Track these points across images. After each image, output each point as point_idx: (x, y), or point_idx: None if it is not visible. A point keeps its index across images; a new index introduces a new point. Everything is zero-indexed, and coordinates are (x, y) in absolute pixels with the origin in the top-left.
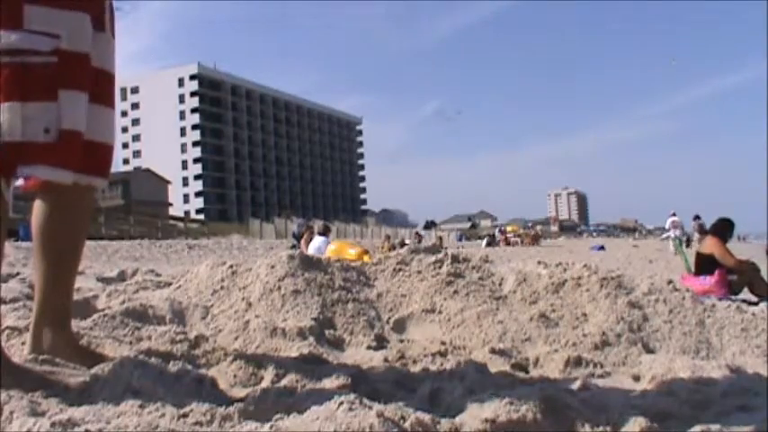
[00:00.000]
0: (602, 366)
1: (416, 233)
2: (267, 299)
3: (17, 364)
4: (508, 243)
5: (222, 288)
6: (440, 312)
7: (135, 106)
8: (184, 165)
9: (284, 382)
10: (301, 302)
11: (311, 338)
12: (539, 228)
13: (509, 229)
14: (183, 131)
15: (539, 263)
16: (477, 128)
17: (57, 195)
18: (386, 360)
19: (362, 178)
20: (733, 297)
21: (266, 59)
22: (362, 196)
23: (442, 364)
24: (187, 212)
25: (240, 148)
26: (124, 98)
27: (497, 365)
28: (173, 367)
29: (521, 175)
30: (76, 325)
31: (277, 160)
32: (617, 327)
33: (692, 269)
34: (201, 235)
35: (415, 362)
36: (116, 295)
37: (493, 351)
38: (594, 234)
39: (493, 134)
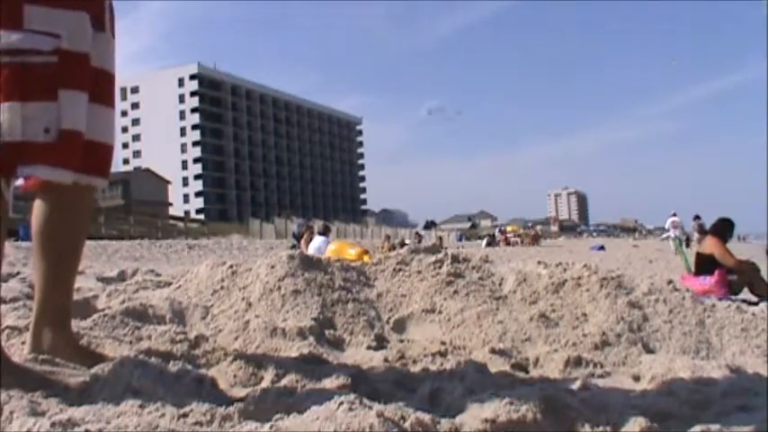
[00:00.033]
0: (602, 366)
1: (416, 233)
2: (267, 299)
3: (17, 364)
4: (508, 243)
5: (222, 288)
6: (440, 312)
7: (135, 106)
8: (184, 165)
9: (284, 382)
10: (301, 302)
11: (311, 338)
12: (539, 228)
13: (509, 229)
14: (183, 131)
15: (539, 263)
16: (477, 128)
17: (57, 195)
18: (386, 360)
19: (362, 178)
20: (733, 297)
21: (266, 59)
22: (362, 196)
23: (442, 364)
24: (187, 212)
25: (240, 148)
26: (124, 98)
27: (497, 365)
28: (173, 367)
29: (521, 175)
30: (76, 325)
31: (277, 160)
32: (617, 327)
33: (692, 269)
34: (201, 235)
35: (415, 362)
36: (116, 295)
37: (493, 351)
38: (594, 234)
39: (493, 134)
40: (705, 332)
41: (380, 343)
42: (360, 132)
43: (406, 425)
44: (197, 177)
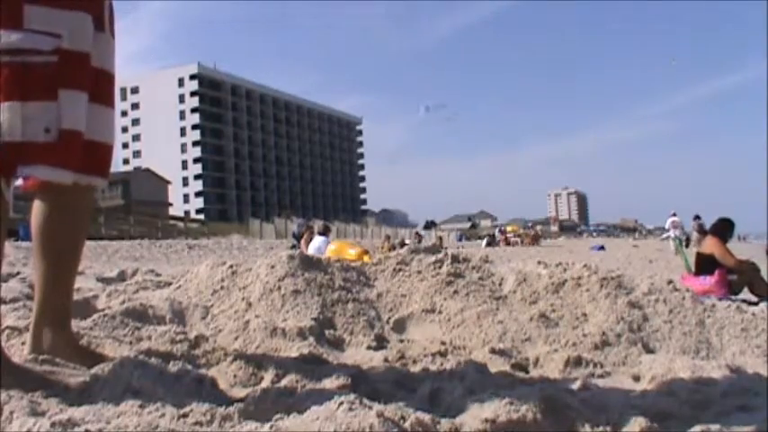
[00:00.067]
0: (602, 366)
1: (416, 233)
2: (267, 299)
3: (17, 364)
4: (508, 243)
5: (222, 288)
6: (440, 312)
7: (135, 106)
8: (184, 165)
9: (284, 382)
10: (301, 302)
11: (311, 338)
12: (539, 228)
13: (509, 229)
14: (183, 131)
15: (539, 263)
16: (478, 128)
17: (56, 195)
18: (386, 360)
19: (362, 178)
20: (733, 297)
21: (266, 59)
22: (362, 196)
23: (442, 364)
24: (187, 212)
25: (240, 148)
26: (124, 98)
27: (497, 365)
28: (173, 367)
29: (521, 175)
30: (76, 325)
31: (277, 160)
32: (617, 327)
33: (692, 269)
34: (201, 235)
35: (415, 362)
36: (116, 295)
37: (493, 351)
38: (594, 234)
39: (493, 134)
40: (705, 332)
41: (380, 343)
42: (360, 132)
43: (406, 425)
44: (197, 177)
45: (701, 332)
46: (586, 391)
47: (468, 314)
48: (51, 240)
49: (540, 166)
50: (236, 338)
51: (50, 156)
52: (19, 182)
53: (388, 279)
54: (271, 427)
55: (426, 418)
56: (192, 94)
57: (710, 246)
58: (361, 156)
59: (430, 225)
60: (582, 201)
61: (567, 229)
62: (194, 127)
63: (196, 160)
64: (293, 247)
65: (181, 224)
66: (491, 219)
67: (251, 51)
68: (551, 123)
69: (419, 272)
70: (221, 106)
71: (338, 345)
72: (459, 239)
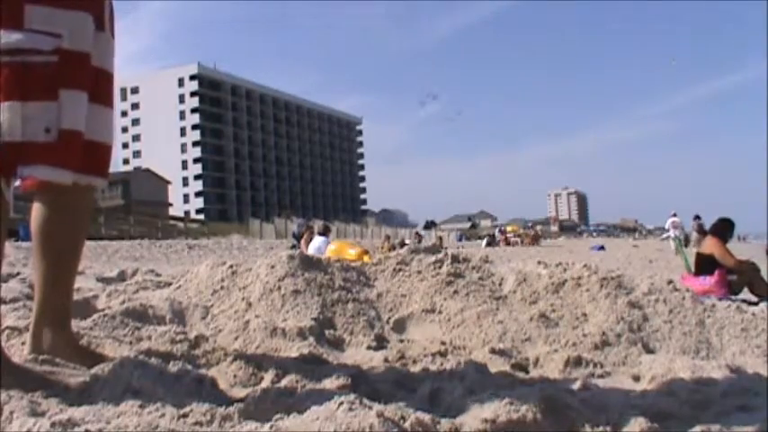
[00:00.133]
0: (602, 366)
1: (416, 233)
2: (267, 299)
3: (17, 364)
4: (508, 243)
5: (222, 288)
6: (440, 312)
7: (135, 106)
8: (184, 165)
9: (284, 382)
10: (301, 302)
11: (311, 338)
12: (539, 228)
13: (509, 229)
14: (183, 131)
15: (539, 263)
16: (478, 128)
17: (56, 195)
18: (386, 360)
19: (362, 178)
20: (733, 297)
21: (266, 59)
22: (362, 196)
23: (442, 364)
24: (187, 212)
25: (240, 148)
26: (124, 98)
27: (497, 365)
28: (173, 367)
29: (521, 175)
30: (76, 325)
31: (277, 160)
32: (617, 327)
33: (692, 269)
34: (201, 235)
35: (415, 362)
36: (116, 295)
37: (493, 351)
38: (594, 234)
39: (493, 134)
40: (705, 332)
41: (380, 343)
42: (360, 132)
43: (406, 425)
44: (197, 177)
45: (701, 332)
46: (586, 391)
47: (468, 314)
48: (51, 240)
49: (540, 166)
50: (236, 338)
51: (50, 156)
52: (19, 182)
53: (388, 279)
54: (271, 427)
55: (426, 418)
56: (192, 94)
57: (710, 246)
58: (361, 156)
59: (430, 225)
60: (582, 201)
61: (567, 229)
62: (194, 127)
63: (196, 160)
64: (293, 247)
65: (181, 224)
66: (491, 219)
67: (251, 51)
68: (551, 123)
69: (419, 272)
70: (221, 106)
71: (338, 345)
72: (459, 239)
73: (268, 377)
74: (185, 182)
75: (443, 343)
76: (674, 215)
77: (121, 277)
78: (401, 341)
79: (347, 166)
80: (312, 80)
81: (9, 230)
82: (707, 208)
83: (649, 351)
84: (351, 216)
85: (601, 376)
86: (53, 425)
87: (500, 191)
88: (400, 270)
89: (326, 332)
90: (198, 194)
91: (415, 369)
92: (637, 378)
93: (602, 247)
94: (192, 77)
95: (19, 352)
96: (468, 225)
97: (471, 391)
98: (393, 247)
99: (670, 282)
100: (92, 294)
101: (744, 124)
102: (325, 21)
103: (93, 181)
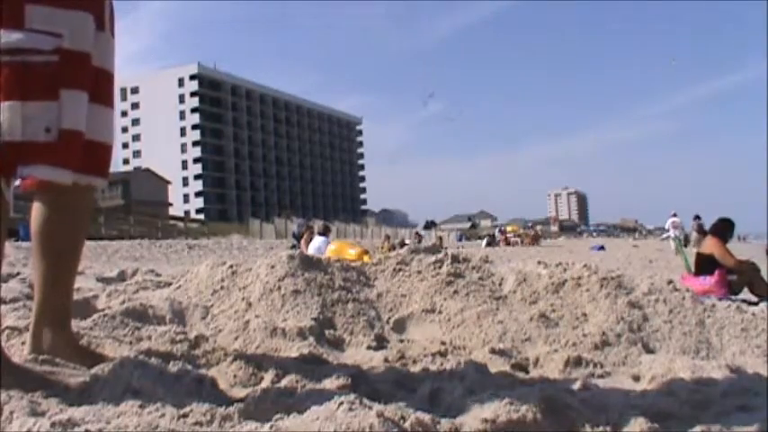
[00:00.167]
0: (602, 366)
1: (416, 233)
2: (267, 299)
3: (17, 364)
4: (508, 243)
5: (222, 288)
6: (440, 312)
7: (135, 106)
8: (184, 165)
9: (284, 382)
10: (301, 302)
11: (311, 338)
12: (539, 228)
13: (509, 229)
14: (183, 131)
15: (539, 263)
16: (478, 128)
17: (56, 195)
18: (386, 360)
19: (362, 178)
20: (733, 297)
21: (266, 59)
22: (362, 196)
23: (442, 364)
24: (187, 212)
25: (240, 148)
26: (124, 98)
27: (497, 365)
28: (173, 367)
29: (521, 175)
30: (76, 325)
31: (277, 160)
32: (617, 327)
33: (692, 269)
34: (201, 235)
35: (415, 362)
36: (116, 295)
37: (493, 351)
38: (594, 234)
39: (493, 134)
40: (705, 332)
41: (380, 343)
42: (360, 132)
43: (406, 425)
44: (197, 177)
45: (701, 332)
46: (586, 391)
47: (468, 314)
48: (51, 240)
49: (540, 166)
50: (236, 338)
51: (50, 155)
52: (19, 182)
53: (388, 279)
54: (271, 427)
55: (426, 418)
56: (192, 94)
57: (710, 246)
58: (361, 156)
59: (430, 225)
60: (582, 201)
61: (567, 229)
62: (194, 127)
63: (196, 160)
64: (293, 247)
65: (181, 224)
66: (491, 219)
67: (251, 51)
68: (551, 123)
69: (419, 272)
70: (221, 106)
71: (338, 345)
72: (459, 239)
73: (268, 377)
74: (185, 182)
75: (443, 343)
76: (675, 215)
77: (121, 277)
78: (401, 341)
79: (347, 166)
80: (312, 80)
81: (9, 230)
82: (707, 208)
83: (649, 351)
84: (351, 216)
85: (601, 376)
86: (53, 425)
87: (500, 191)
88: (400, 270)
89: (326, 332)
90: (198, 194)
91: (415, 369)
92: (637, 378)
93: (602, 248)
94: (192, 77)
95: (19, 352)
96: (468, 225)
97: (471, 391)
98: (393, 247)
99: (670, 282)
100: (92, 294)
101: (744, 124)
102: (325, 21)
103: (93, 181)
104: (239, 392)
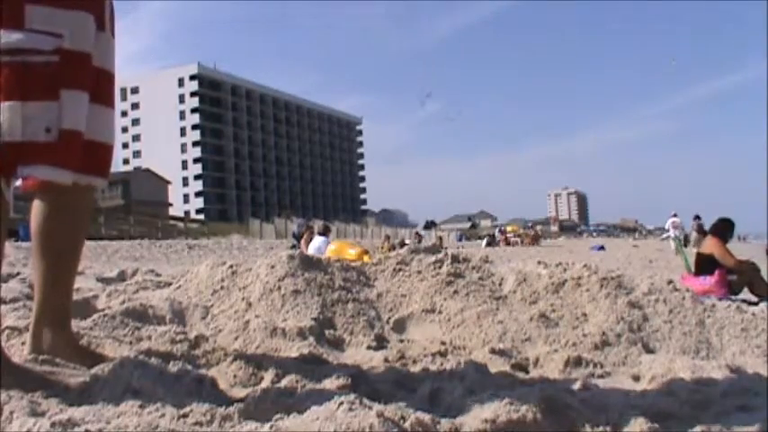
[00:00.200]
0: (602, 366)
1: (416, 233)
2: (267, 299)
3: (17, 364)
4: (508, 243)
5: (222, 288)
6: (440, 312)
7: (135, 106)
8: (184, 165)
9: (284, 382)
10: (301, 302)
11: (311, 338)
12: (539, 228)
13: (509, 229)
14: (183, 131)
15: (539, 263)
16: (478, 128)
17: (56, 195)
18: (386, 360)
19: (362, 178)
20: (733, 297)
21: (266, 59)
22: (362, 196)
23: (442, 364)
24: (187, 212)
25: (240, 148)
26: (124, 98)
27: (497, 365)
28: (173, 367)
29: (521, 175)
30: (76, 325)
31: (277, 160)
32: (617, 327)
33: (692, 269)
34: (201, 235)
35: (415, 362)
36: (116, 295)
37: (493, 351)
38: (594, 234)
39: (493, 134)
40: (705, 332)
41: (380, 343)
42: (360, 132)
43: (406, 425)
44: (197, 177)
45: (701, 332)
46: (586, 391)
47: (468, 314)
48: (51, 240)
49: (540, 166)
50: (236, 338)
51: (50, 156)
52: (18, 182)
53: (388, 279)
54: (271, 427)
55: (426, 418)
56: (192, 94)
57: (710, 246)
58: (361, 156)
59: (430, 225)
60: (582, 201)
61: (567, 229)
62: (194, 127)
63: (196, 160)
64: (293, 247)
65: (181, 224)
66: (491, 219)
67: (251, 51)
68: (552, 123)
69: (419, 272)
70: (221, 106)
71: (338, 345)
72: (459, 239)
73: (268, 377)
74: (185, 182)
75: (443, 343)
76: (675, 215)
77: (121, 277)
78: (401, 341)
79: (347, 166)
80: (312, 80)
81: (9, 230)
82: (707, 208)
83: (649, 351)
84: (351, 216)
85: (601, 376)
86: (53, 425)
87: (500, 191)
88: (400, 270)
89: (326, 332)
90: (198, 194)
91: (415, 369)
92: (637, 378)
93: (602, 248)
94: (192, 77)
95: (19, 352)
96: (468, 225)
97: (471, 391)
98: (393, 247)
99: (670, 282)
100: (92, 294)
101: (744, 124)
102: (325, 21)
103: (93, 181)
104: (239, 392)
